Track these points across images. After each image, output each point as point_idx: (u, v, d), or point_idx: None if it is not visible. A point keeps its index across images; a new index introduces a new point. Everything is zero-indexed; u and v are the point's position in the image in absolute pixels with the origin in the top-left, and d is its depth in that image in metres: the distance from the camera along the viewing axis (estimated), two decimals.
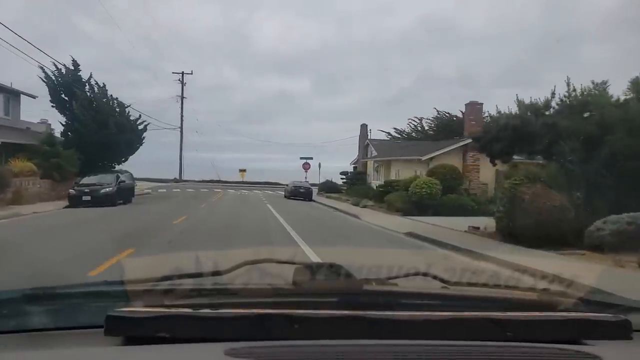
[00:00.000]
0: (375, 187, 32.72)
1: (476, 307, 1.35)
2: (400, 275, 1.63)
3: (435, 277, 1.64)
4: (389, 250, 11.06)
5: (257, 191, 45.05)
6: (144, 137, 33.15)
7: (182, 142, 59.52)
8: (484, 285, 1.70)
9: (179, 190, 40.80)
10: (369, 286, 1.49)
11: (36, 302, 1.41)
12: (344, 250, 10.03)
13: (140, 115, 33.47)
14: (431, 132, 44.12)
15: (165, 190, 39.97)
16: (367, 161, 41.00)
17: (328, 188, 41.95)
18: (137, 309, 1.18)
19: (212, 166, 63.55)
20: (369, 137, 44.80)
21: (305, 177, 45.21)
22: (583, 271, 7.01)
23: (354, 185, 37.74)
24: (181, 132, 59.28)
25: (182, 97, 58.34)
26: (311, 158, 49.57)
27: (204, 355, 1.06)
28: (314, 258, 8.29)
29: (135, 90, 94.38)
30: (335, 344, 1.10)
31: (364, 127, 45.56)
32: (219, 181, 58.27)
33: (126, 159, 32.75)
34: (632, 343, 1.23)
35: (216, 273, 1.49)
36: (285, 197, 36.21)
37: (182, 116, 59.00)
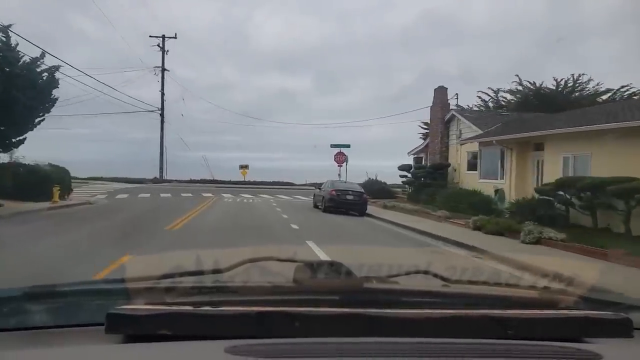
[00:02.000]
0: (495, 194, 18.77)
1: (477, 305, 1.36)
2: (401, 274, 1.63)
3: (435, 275, 1.65)
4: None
5: (265, 195, 31.31)
6: (55, 98, 17.74)
7: (162, 129, 45.78)
8: (485, 283, 1.71)
9: (148, 195, 26.92)
10: (370, 284, 1.50)
11: (37, 300, 1.41)
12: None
13: (43, 54, 17.29)
14: (508, 107, 32.43)
15: (127, 195, 26.69)
16: (456, 146, 25.34)
17: (377, 192, 27.31)
18: (138, 306, 1.18)
19: (204, 162, 48.98)
20: (452, 106, 27.86)
21: (339, 175, 30.37)
22: None
23: (427, 187, 24.28)
24: (162, 114, 45.62)
25: (163, 69, 45.37)
26: (348, 146, 32.63)
27: (204, 352, 1.07)
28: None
29: (134, 90, 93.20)
30: (336, 342, 1.11)
31: (440, 92, 27.36)
32: (213, 181, 44.75)
33: (18, 141, 17.64)
34: (633, 341, 1.23)
35: (217, 271, 1.49)
36: (316, 207, 22.59)
37: (162, 93, 45.43)
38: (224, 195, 29.96)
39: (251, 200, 26.61)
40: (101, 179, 41.95)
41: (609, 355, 1.11)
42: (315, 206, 22.88)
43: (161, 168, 46.96)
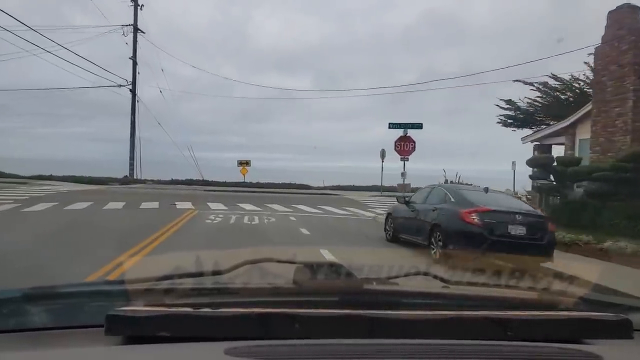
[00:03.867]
0: None
1: (477, 307, 1.36)
2: (401, 275, 1.63)
3: (435, 277, 1.65)
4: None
5: (276, 206, 19.57)
6: None
7: (134, 111, 34.71)
8: (485, 284, 1.71)
9: (85, 206, 16.84)
10: (370, 285, 1.50)
11: (36, 301, 1.41)
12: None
13: None
14: None
15: (51, 205, 16.55)
16: None
17: None
18: (138, 308, 1.18)
19: (190, 154, 36.91)
20: None
21: (403, 175, 19.88)
22: None
23: (609, 198, 12.72)
24: (133, 90, 34.55)
25: (136, 28, 34.46)
26: (419, 125, 20.36)
27: (204, 354, 1.07)
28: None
29: (154, 96, 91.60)
30: (336, 343, 1.11)
31: (625, 16, 14.14)
32: (202, 182, 33.58)
33: None
34: (633, 342, 1.23)
35: (217, 272, 1.49)
36: (395, 239, 11.42)
37: (135, 62, 34.49)
38: (212, 205, 18.54)
39: (256, 220, 14.54)
40: (50, 178, 32.25)
41: (609, 356, 1.11)
42: (394, 238, 11.48)
43: (132, 164, 35.20)
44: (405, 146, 19.12)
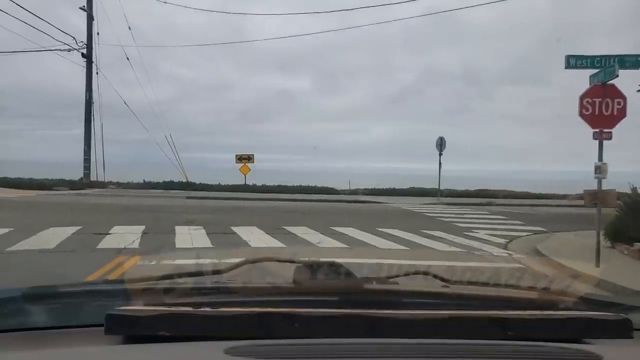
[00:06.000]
0: None
1: (477, 306, 1.36)
2: (401, 274, 1.63)
3: (435, 276, 1.65)
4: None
5: (307, 234, 10.29)
6: None
7: (91, 87, 24.90)
8: (485, 284, 1.71)
9: None
10: (370, 285, 1.50)
11: (36, 300, 1.41)
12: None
13: None
14: None
15: None
16: None
17: None
18: (137, 307, 1.19)
19: (169, 148, 28.15)
20: None
21: (600, 170, 7.58)
22: None
23: None
24: (89, 56, 24.43)
25: None
26: (636, 61, 7.46)
27: (204, 353, 1.07)
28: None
29: (129, 90, 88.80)
30: (336, 343, 1.11)
31: None
32: (188, 185, 25.75)
33: None
34: (633, 342, 1.23)
35: (216, 272, 1.50)
36: None
37: (90, 16, 24.32)
38: (181, 236, 9.68)
39: None
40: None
41: (609, 356, 1.11)
42: None
43: (88, 160, 25.37)
44: (605, 106, 8.07)
